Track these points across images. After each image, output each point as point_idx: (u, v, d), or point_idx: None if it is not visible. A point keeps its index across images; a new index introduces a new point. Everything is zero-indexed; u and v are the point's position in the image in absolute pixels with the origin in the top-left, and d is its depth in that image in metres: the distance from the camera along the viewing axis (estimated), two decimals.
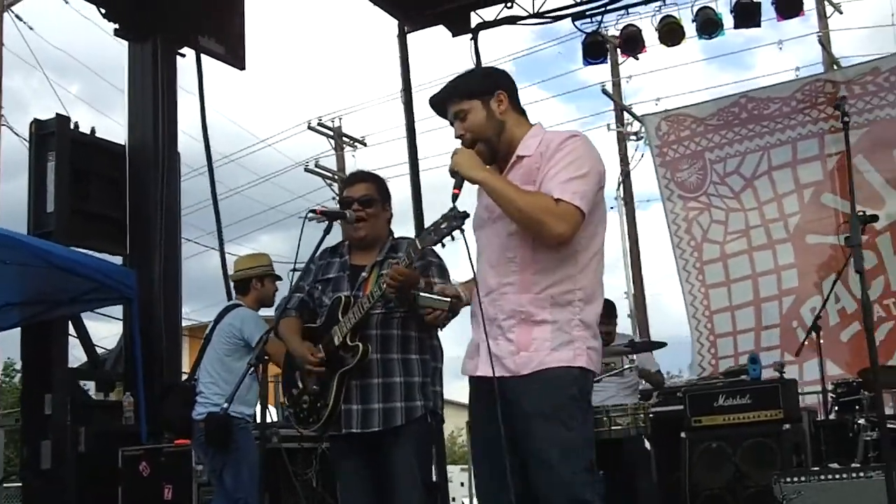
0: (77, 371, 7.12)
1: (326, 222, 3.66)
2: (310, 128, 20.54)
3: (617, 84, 17.66)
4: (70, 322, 6.98)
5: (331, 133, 20.73)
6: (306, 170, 20.02)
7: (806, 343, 6.57)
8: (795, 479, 4.75)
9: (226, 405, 3.80)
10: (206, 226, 16.41)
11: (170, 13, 7.43)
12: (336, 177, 20.56)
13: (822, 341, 6.33)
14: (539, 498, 2.84)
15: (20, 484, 7.19)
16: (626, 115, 17.63)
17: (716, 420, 5.87)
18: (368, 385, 3.61)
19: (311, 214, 3.66)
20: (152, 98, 7.14)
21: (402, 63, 9.48)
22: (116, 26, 7.22)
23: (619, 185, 18.13)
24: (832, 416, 6.19)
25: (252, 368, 3.55)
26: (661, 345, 6.21)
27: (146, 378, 6.69)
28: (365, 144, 20.79)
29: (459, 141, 3.04)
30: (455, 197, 2.94)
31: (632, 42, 9.11)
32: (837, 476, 4.62)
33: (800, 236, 8.23)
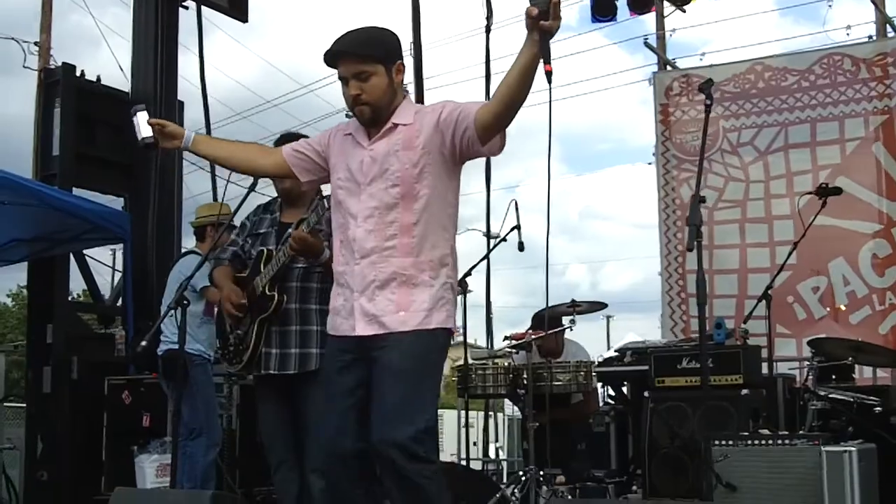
0: (77, 304, 7.51)
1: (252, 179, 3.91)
2: None
3: (661, 37, 17.37)
4: (73, 257, 7.35)
5: None
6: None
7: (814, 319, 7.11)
8: (724, 442, 4.86)
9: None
10: None
11: None
12: None
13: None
14: (376, 443, 2.91)
15: (24, 405, 7.67)
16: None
17: (678, 381, 5.93)
18: (287, 332, 3.87)
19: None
20: (154, 48, 7.35)
21: (413, 22, 9.42)
22: None
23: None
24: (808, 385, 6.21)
25: (171, 311, 3.83)
26: (603, 305, 6.29)
27: (136, 314, 7.06)
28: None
29: (351, 97, 3.09)
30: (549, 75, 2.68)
31: (640, 0, 9.05)
32: (764, 442, 4.71)
33: (806, 215, 8.09)
